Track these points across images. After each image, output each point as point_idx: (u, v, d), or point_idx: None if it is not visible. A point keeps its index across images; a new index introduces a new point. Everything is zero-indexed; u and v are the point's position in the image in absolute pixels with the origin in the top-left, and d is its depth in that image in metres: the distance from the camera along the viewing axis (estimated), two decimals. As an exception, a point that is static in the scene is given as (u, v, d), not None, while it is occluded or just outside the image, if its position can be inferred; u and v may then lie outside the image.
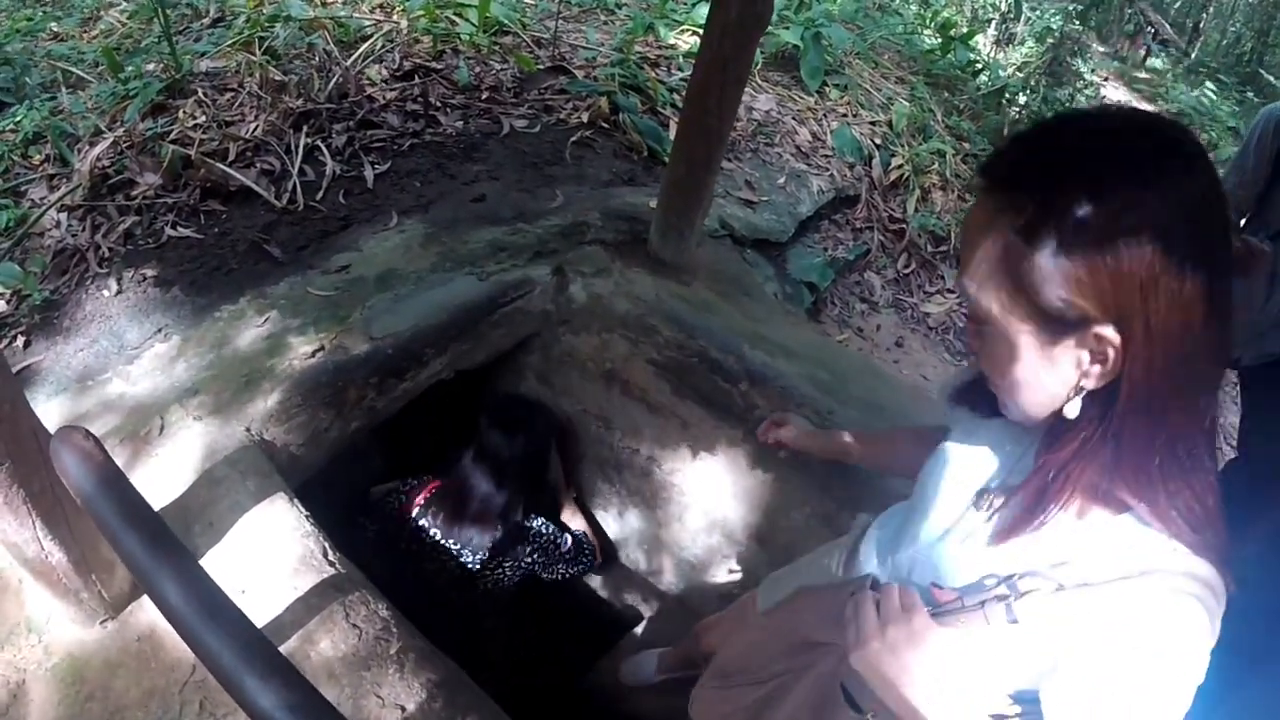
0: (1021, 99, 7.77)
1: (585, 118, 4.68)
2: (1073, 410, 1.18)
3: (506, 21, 5.35)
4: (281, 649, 2.15)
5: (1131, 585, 1.16)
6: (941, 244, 6.05)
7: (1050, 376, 1.17)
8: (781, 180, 5.16)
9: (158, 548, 1.49)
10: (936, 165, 6.26)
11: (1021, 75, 8.04)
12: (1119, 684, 1.14)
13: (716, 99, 3.32)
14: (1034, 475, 1.25)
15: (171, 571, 1.47)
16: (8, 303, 3.27)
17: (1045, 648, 1.22)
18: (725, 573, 3.29)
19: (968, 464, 1.46)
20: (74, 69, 4.60)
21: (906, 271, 5.85)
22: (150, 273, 3.30)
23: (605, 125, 4.72)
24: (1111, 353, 1.10)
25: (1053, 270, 1.08)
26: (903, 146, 6.26)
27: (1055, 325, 1.12)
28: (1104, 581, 1.18)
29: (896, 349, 5.33)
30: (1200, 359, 1.11)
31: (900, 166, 6.14)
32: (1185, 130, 1.12)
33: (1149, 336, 1.07)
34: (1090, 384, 1.15)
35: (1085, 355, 1.13)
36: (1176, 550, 1.16)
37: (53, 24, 5.39)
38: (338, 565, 2.36)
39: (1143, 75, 12.93)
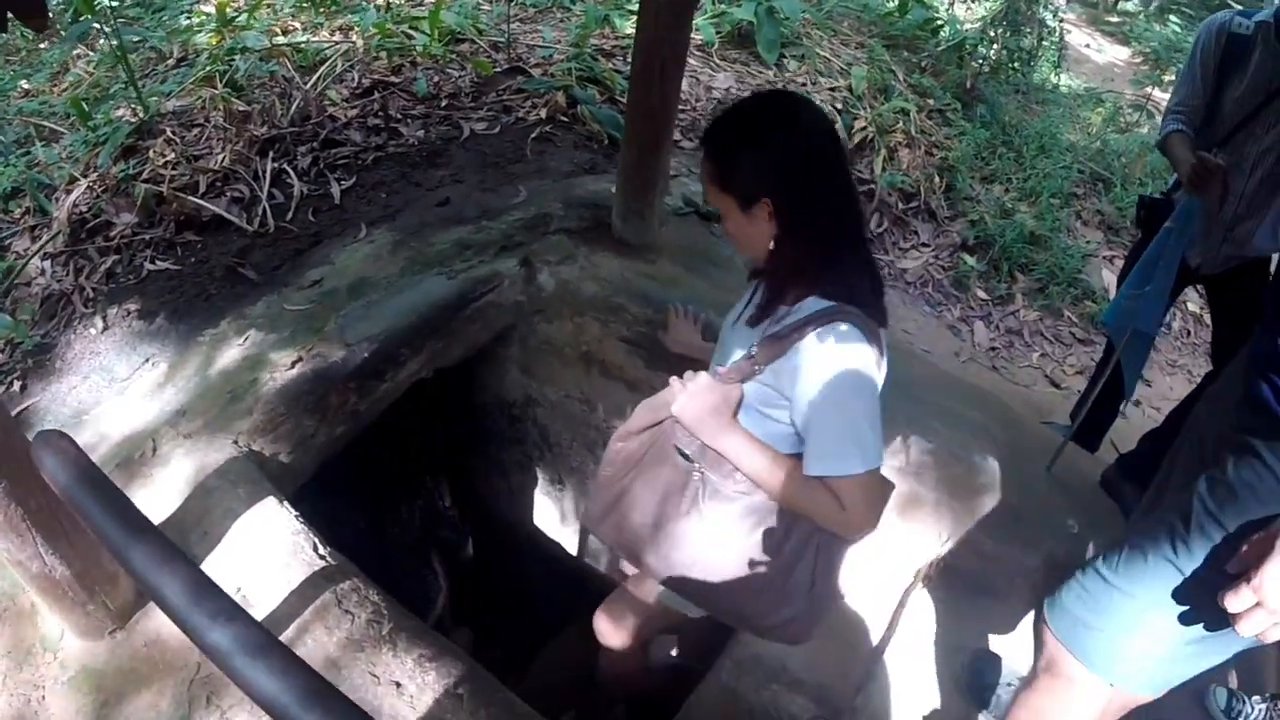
0: (982, 51, 7.81)
1: (544, 114, 4.78)
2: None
3: (460, 29, 5.45)
4: (280, 639, 2.28)
5: (814, 330, 1.90)
6: (912, 200, 6.13)
7: (754, 231, 1.97)
8: (744, 154, 5.24)
9: (136, 531, 1.58)
10: (901, 124, 6.32)
11: (980, 28, 8.07)
12: (826, 394, 1.91)
13: (658, 79, 3.41)
14: (764, 286, 2.08)
15: (156, 556, 1.56)
16: (2, 352, 3.40)
17: (785, 389, 2.00)
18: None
19: (745, 298, 2.22)
20: (46, 122, 4.71)
21: (880, 231, 5.92)
22: (134, 307, 3.42)
23: (564, 119, 4.82)
24: (773, 213, 1.91)
25: (729, 183, 1.95)
26: (865, 109, 6.33)
27: (743, 203, 1.94)
28: (803, 335, 1.92)
29: (873, 308, 5.38)
30: (827, 214, 1.95)
31: (864, 128, 6.21)
32: (793, 102, 2.03)
33: (789, 206, 1.91)
34: (776, 232, 1.94)
35: (765, 216, 1.92)
36: (840, 309, 1.93)
37: (22, 81, 5.50)
38: (329, 558, 2.48)
39: (1114, 19, 12.92)
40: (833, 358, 1.89)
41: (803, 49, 6.61)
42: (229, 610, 1.49)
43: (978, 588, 3.15)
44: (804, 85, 6.24)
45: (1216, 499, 1.90)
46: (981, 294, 5.88)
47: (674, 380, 2.24)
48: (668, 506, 2.29)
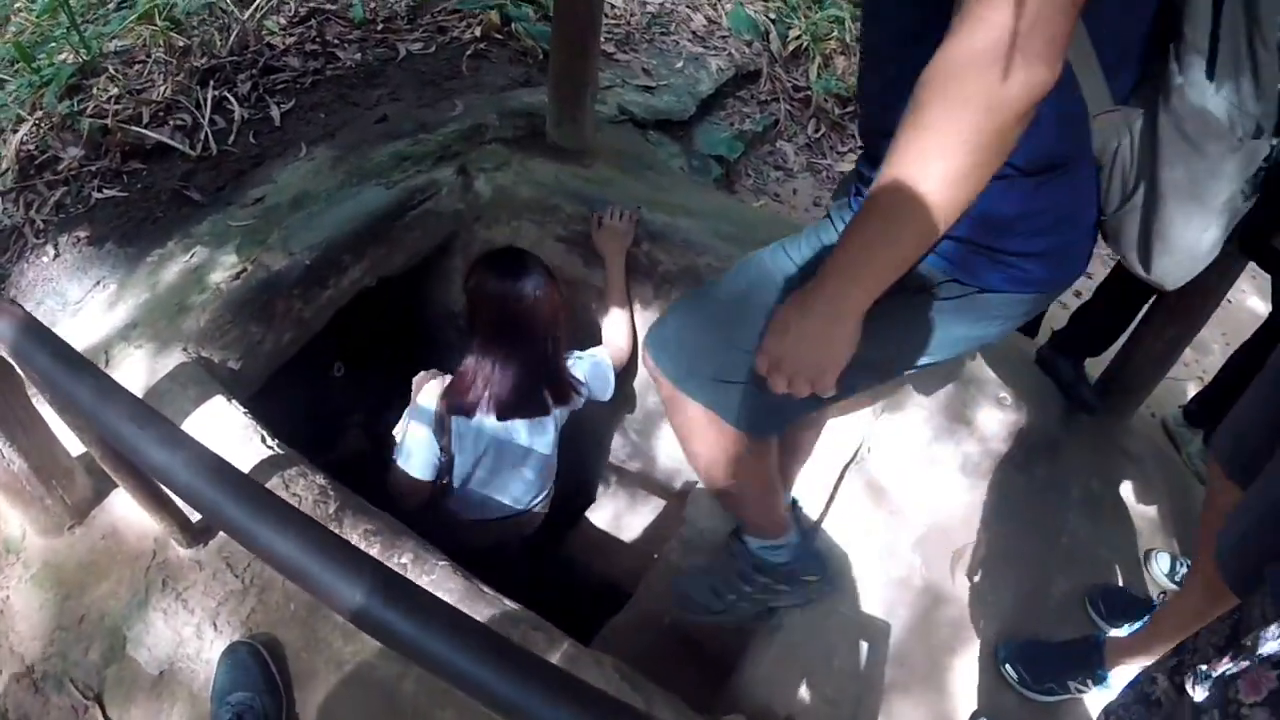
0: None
1: (478, 32, 4.84)
2: None
3: (397, -45, 5.49)
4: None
5: None
6: (848, 105, 6.20)
7: None
8: (679, 64, 5.34)
9: (81, 373, 1.66)
10: (835, 32, 6.38)
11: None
12: None
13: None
14: None
15: (105, 397, 1.63)
16: (-44, 285, 3.49)
17: None
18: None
19: None
20: (-9, 70, 4.77)
21: (817, 136, 6.02)
22: (83, 234, 3.50)
23: (499, 36, 4.88)
24: None
25: None
26: (799, 19, 6.40)
27: None
28: None
29: (815, 209, 5.51)
30: None
31: (798, 37, 6.28)
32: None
33: None
34: None
35: None
36: None
37: (-34, 33, 5.53)
38: (275, 448, 2.59)
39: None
40: None
41: (737, -41, 6.67)
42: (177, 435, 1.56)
43: (912, 462, 3.28)
44: (739, -4, 6.31)
45: None
46: (920, 191, 5.97)
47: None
48: None
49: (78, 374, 1.65)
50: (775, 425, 2.23)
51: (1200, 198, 1.53)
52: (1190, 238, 1.60)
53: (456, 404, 3.13)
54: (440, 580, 2.34)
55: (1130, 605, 3.04)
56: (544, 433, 3.33)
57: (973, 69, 1.16)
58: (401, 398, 3.33)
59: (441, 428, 3.15)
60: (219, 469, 1.51)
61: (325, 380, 4.06)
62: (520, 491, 3.44)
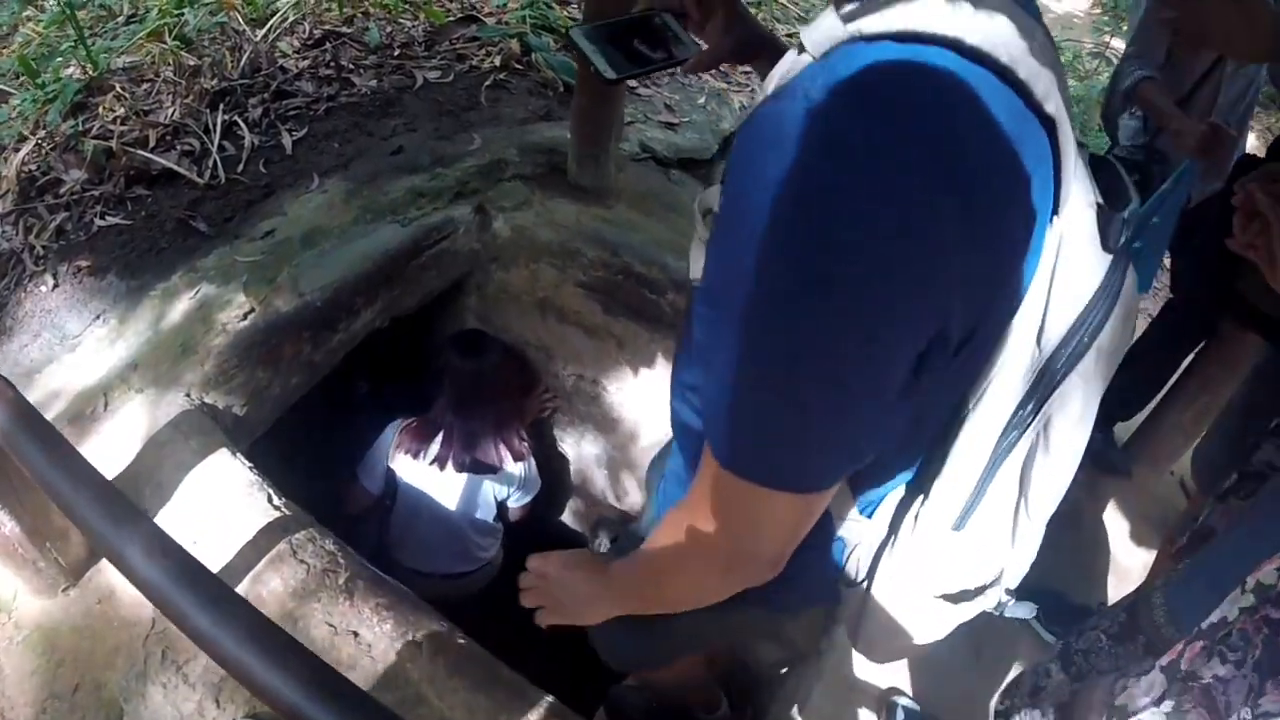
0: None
1: (498, 61, 4.72)
2: None
3: (413, -23, 5.38)
4: (235, 590, 2.28)
5: None
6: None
7: None
8: (702, 100, 5.21)
9: (66, 462, 1.57)
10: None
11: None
12: None
13: (609, 21, 3.38)
14: None
15: (89, 495, 1.55)
16: (-50, 310, 3.36)
17: None
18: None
19: None
20: (-6, 82, 4.64)
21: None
22: (84, 263, 3.37)
23: (519, 66, 4.77)
24: None
25: None
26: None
27: None
28: None
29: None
30: None
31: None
32: None
33: None
34: None
35: None
36: None
37: (-30, 42, 5.41)
38: (283, 508, 2.47)
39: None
40: None
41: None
42: (182, 560, 1.48)
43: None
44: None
45: None
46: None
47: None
48: None
49: (62, 470, 1.54)
50: None
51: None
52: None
53: (411, 444, 3.55)
54: (460, 662, 2.21)
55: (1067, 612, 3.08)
56: (480, 496, 3.60)
57: (698, 560, 1.21)
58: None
59: (389, 457, 3.58)
60: (196, 579, 1.39)
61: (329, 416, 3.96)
62: (451, 551, 3.69)
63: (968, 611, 1.41)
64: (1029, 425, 1.14)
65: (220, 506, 2.45)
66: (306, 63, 4.49)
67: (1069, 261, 1.03)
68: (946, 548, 1.29)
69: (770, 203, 0.82)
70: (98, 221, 3.56)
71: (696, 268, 1.22)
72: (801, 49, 0.97)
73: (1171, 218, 3.19)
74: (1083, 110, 7.53)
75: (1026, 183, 0.90)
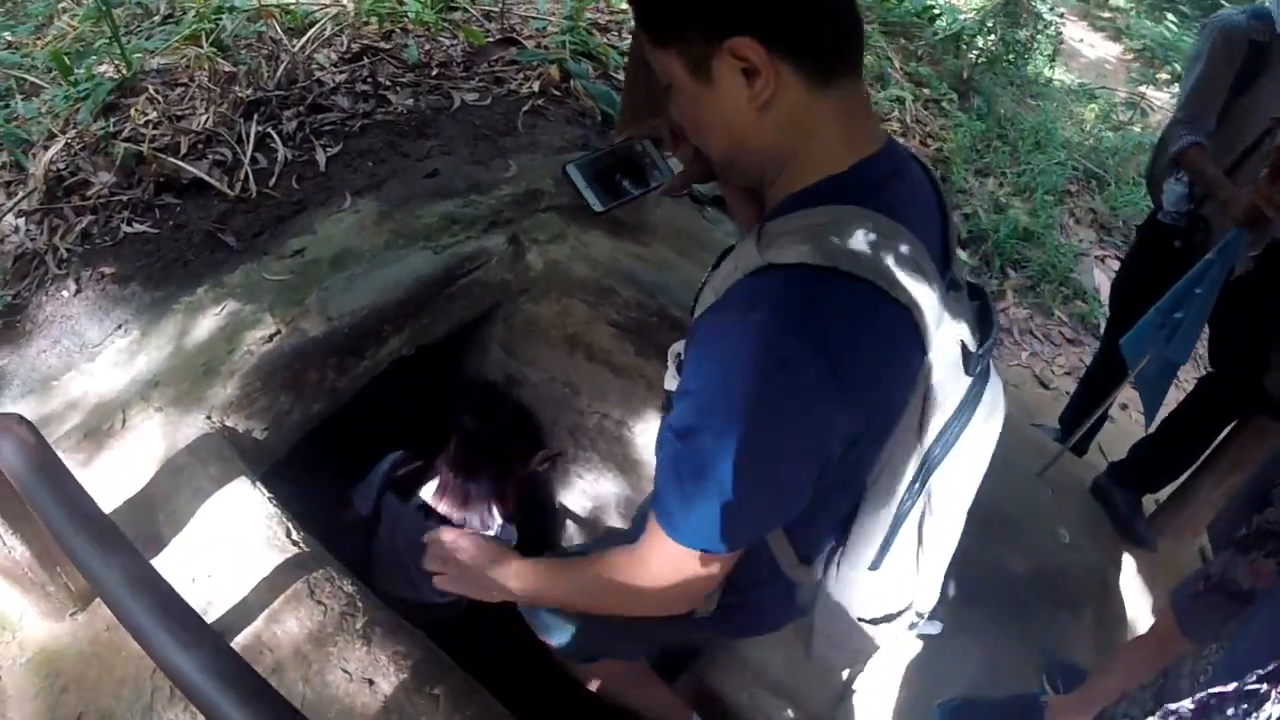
0: (979, 42, 7.75)
1: (536, 87, 4.68)
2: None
3: (454, -3, 5.34)
4: (248, 630, 2.21)
5: None
6: (906, 190, 6.05)
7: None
8: (739, 137, 5.17)
9: (91, 529, 1.52)
10: (896, 113, 6.28)
11: (978, 18, 8.01)
12: None
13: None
14: None
15: (103, 553, 1.50)
16: (-32, 310, 3.29)
17: None
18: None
19: None
20: (26, 75, 4.57)
21: (873, 220, 5.85)
22: (108, 270, 3.31)
23: (557, 93, 4.72)
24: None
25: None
26: (861, 95, 6.23)
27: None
28: None
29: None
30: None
31: (859, 114, 6.07)
32: None
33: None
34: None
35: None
36: None
37: (5, 33, 5.36)
38: (301, 544, 2.39)
39: (1105, 14, 12.84)
40: None
41: (800, 31, 6.51)
42: (201, 636, 1.42)
43: (962, 596, 3.10)
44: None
45: None
46: (973, 289, 5.83)
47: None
48: None
49: (82, 531, 1.49)
50: None
51: None
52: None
53: (404, 481, 3.50)
54: (478, 717, 2.13)
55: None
56: None
57: (634, 591, 1.55)
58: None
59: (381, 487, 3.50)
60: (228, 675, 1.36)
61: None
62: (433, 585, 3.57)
63: (888, 631, 1.77)
64: (918, 495, 1.52)
65: (237, 539, 2.38)
66: (343, 77, 4.44)
67: (937, 384, 1.43)
68: (866, 584, 1.67)
69: (717, 384, 1.28)
70: (124, 228, 3.50)
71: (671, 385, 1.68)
72: (735, 263, 1.37)
73: (1214, 288, 3.14)
74: (1117, 161, 7.47)
75: (891, 357, 1.35)
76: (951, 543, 1.71)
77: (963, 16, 8.07)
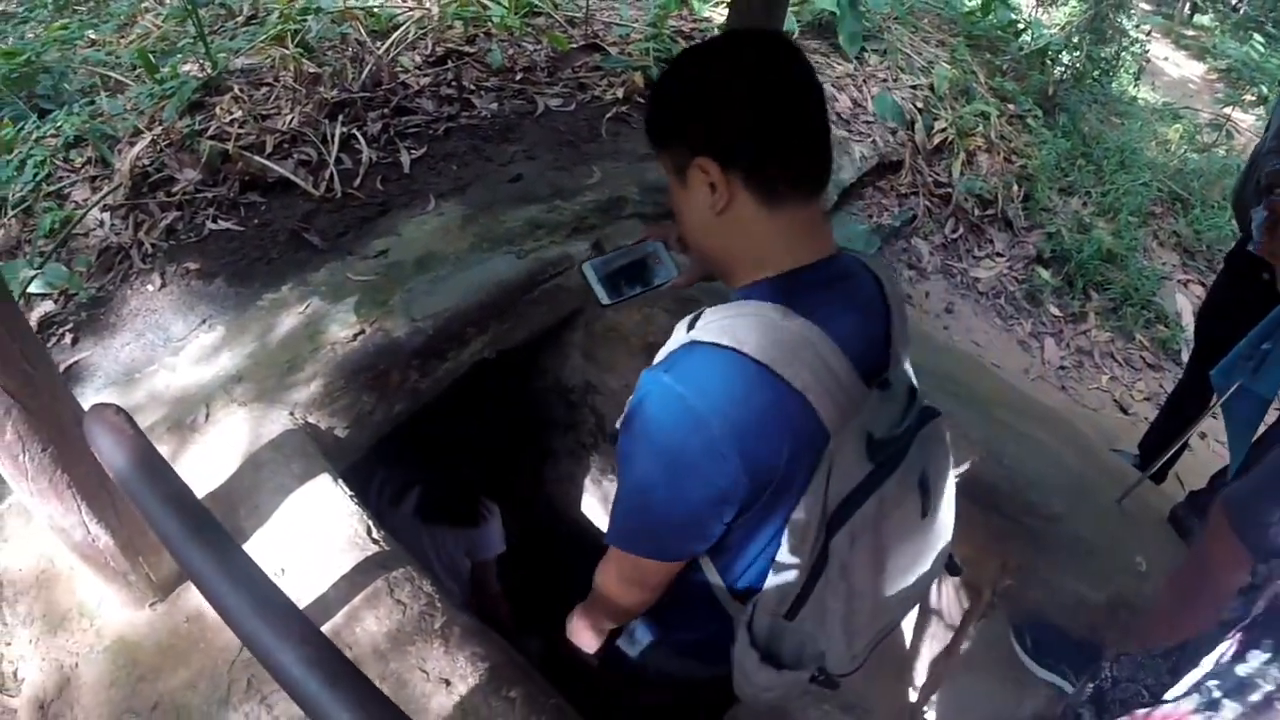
0: (1065, 58, 7.63)
1: (620, 94, 4.66)
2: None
3: (538, 2, 5.33)
4: (327, 626, 2.19)
5: None
6: (989, 207, 5.98)
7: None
8: (824, 147, 5.12)
9: (190, 520, 1.50)
10: (981, 128, 6.17)
11: (1064, 34, 7.88)
12: None
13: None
14: None
15: (202, 545, 1.48)
16: (55, 302, 3.30)
17: None
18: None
19: None
20: (111, 73, 4.62)
21: (954, 237, 5.78)
22: (192, 266, 3.33)
23: (640, 100, 4.69)
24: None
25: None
26: (945, 110, 6.16)
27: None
28: None
29: (946, 315, 5.27)
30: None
31: (944, 130, 6.05)
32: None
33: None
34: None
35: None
36: None
37: (89, 31, 5.41)
38: (382, 544, 2.37)
39: (1189, 32, 12.62)
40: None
41: (884, 43, 6.45)
42: (301, 631, 1.40)
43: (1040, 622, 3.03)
44: (885, 81, 6.07)
45: None
46: (1054, 310, 5.73)
47: None
48: None
49: (193, 529, 1.48)
50: None
51: None
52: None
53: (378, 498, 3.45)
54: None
55: (1063, 647, 2.91)
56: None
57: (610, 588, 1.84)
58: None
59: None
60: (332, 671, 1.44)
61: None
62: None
63: (790, 677, 1.78)
64: (820, 560, 1.59)
65: (318, 535, 2.36)
66: (428, 80, 4.44)
67: (839, 466, 1.52)
68: (775, 630, 1.75)
69: (634, 427, 1.47)
70: (209, 224, 3.51)
71: None
72: (675, 336, 1.55)
73: None
74: (1201, 184, 7.31)
75: (784, 431, 1.46)
76: (878, 622, 1.77)
77: (1048, 31, 7.94)
